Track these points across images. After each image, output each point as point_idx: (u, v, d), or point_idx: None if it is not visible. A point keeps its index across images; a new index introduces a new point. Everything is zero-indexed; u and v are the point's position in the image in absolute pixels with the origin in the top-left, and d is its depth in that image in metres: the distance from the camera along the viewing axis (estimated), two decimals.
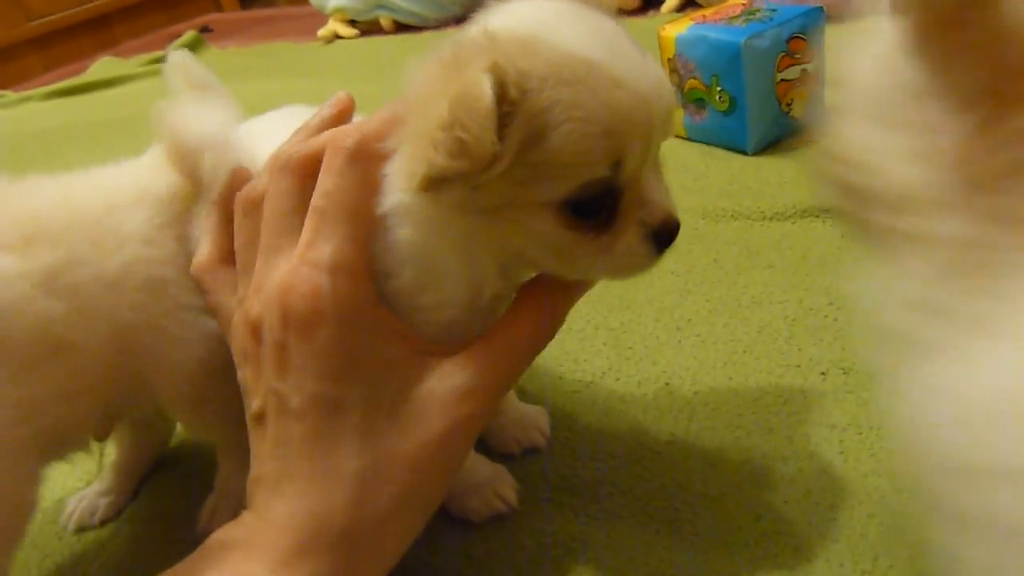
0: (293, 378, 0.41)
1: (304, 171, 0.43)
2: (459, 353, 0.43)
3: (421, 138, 0.38)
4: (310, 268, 0.40)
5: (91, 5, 2.42)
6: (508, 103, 0.37)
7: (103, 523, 0.64)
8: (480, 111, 0.36)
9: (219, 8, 3.06)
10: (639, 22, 1.68)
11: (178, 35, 2.34)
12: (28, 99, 2.24)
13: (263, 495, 0.42)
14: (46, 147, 1.79)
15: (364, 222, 0.42)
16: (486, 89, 0.35)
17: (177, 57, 0.66)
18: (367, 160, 0.42)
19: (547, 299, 0.45)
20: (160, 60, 2.15)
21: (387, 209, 0.43)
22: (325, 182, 0.42)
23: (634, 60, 0.41)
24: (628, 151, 0.40)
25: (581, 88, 0.38)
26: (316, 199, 0.42)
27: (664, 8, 1.69)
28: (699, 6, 1.52)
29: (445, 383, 0.41)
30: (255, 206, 0.45)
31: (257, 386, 0.44)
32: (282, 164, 0.44)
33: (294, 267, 0.41)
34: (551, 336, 0.45)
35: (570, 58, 0.39)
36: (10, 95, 2.31)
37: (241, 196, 0.47)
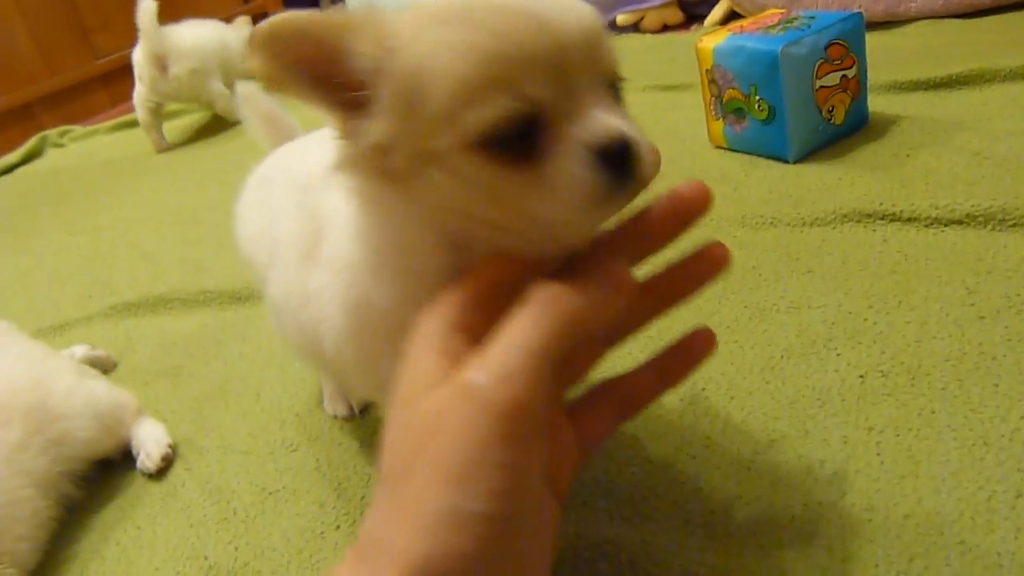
0: None
1: None
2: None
3: None
4: None
5: None
6: (367, 59, 0.39)
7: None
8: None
9: None
10: (683, 37, 1.68)
11: None
12: (95, 132, 2.36)
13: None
14: (112, 176, 1.87)
15: None
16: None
17: (245, 89, 0.72)
18: None
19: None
20: None
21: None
22: None
23: None
24: (531, 76, 0.37)
25: (457, 25, 0.38)
26: None
27: (707, 22, 1.69)
28: (742, 19, 1.51)
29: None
30: None
31: None
32: None
33: None
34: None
35: (451, 4, 0.39)
36: (78, 129, 2.42)
37: None
